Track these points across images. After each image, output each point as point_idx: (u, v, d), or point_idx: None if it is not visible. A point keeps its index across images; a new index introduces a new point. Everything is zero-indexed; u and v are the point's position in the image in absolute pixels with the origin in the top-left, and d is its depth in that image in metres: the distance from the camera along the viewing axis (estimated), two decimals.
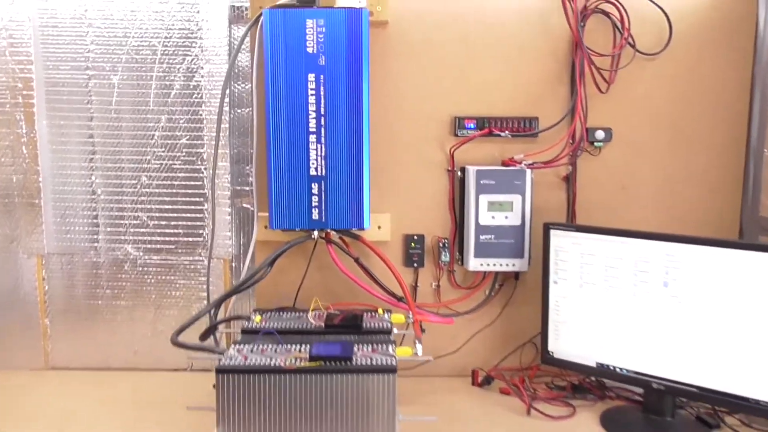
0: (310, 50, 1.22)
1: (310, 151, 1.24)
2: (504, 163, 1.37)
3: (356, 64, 1.22)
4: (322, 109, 1.23)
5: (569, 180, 1.39)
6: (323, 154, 1.24)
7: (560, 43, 1.37)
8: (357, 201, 1.26)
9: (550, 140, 1.37)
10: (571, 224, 1.36)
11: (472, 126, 1.37)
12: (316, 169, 1.25)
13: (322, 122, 1.23)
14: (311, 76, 1.22)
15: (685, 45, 1.37)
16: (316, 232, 1.28)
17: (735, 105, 1.39)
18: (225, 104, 1.37)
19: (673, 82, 1.38)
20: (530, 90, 1.38)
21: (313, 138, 1.24)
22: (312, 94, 1.23)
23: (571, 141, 1.37)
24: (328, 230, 1.29)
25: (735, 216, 1.41)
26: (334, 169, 1.25)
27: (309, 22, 1.21)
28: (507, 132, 1.35)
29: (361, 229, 1.28)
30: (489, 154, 1.39)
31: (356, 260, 1.32)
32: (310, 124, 1.23)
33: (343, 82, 1.23)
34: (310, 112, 1.23)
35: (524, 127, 1.37)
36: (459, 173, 1.39)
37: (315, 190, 1.25)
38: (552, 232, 1.29)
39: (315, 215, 1.26)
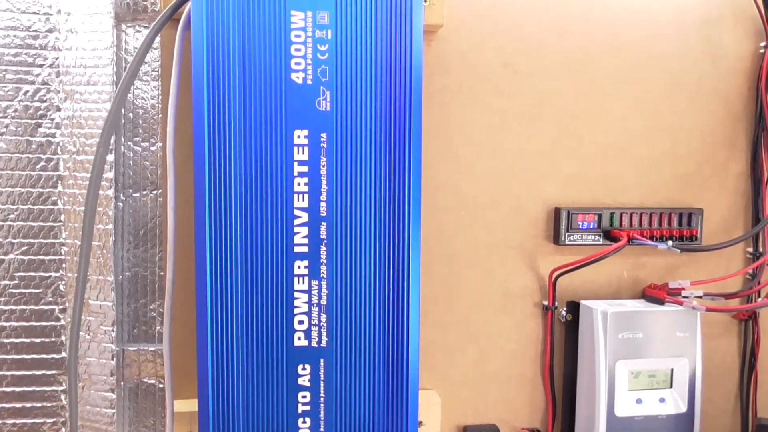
0: (298, 78, 0.55)
1: (296, 294, 0.57)
2: (648, 295, 0.75)
3: (401, 109, 0.57)
4: (323, 207, 0.56)
5: (750, 322, 0.79)
6: (323, 301, 0.57)
7: (736, 80, 0.77)
8: (398, 399, 0.59)
9: (721, 254, 0.77)
10: None
11: (591, 225, 0.74)
12: (306, 333, 0.57)
13: (323, 233, 0.56)
14: (300, 135, 0.56)
15: None
16: None
17: None
18: (104, 183, 0.67)
19: None
20: (682, 160, 0.77)
21: (301, 266, 0.56)
22: (301, 174, 0.56)
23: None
24: None
25: None
26: (347, 334, 0.58)
27: (297, 18, 0.55)
28: (671, 242, 0.72)
29: None
30: (611, 275, 0.76)
31: None
32: (297, 238, 0.56)
33: (370, 147, 0.57)
34: (296, 213, 0.56)
35: (680, 228, 0.75)
36: (564, 314, 0.75)
37: (305, 379, 0.57)
38: None
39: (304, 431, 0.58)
